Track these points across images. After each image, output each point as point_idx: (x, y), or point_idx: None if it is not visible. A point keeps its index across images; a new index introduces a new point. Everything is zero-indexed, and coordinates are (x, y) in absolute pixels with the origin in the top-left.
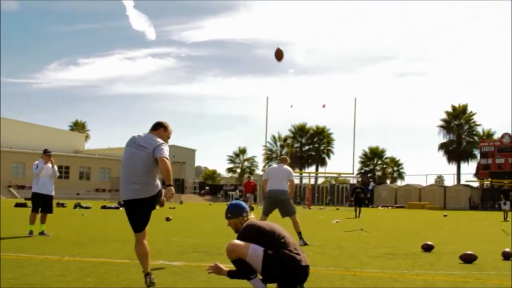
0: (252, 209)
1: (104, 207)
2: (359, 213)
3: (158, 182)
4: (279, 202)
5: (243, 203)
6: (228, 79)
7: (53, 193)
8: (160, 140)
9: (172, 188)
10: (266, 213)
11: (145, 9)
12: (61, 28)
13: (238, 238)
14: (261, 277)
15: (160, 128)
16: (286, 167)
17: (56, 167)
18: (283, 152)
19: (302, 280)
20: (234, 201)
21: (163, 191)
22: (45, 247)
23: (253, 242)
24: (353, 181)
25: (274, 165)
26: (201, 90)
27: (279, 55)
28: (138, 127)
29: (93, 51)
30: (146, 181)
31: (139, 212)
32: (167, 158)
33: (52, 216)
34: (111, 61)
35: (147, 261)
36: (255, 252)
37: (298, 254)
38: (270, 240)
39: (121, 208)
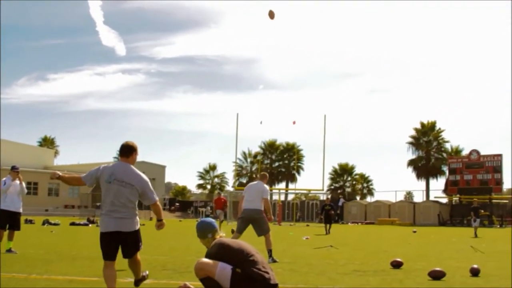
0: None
1: (73, 224)
2: (329, 229)
3: (138, 218)
4: (252, 221)
5: (210, 222)
6: (198, 95)
7: (21, 210)
8: (145, 178)
9: (163, 222)
10: (239, 231)
11: (115, 24)
12: (30, 43)
13: (206, 256)
14: None
15: (133, 154)
16: (262, 185)
17: (24, 184)
18: (253, 169)
19: None
20: (201, 220)
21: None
22: (12, 264)
23: (221, 260)
24: (323, 197)
25: (254, 182)
26: (171, 106)
27: (271, 15)
28: (107, 143)
29: (62, 66)
30: (131, 215)
31: (128, 245)
32: (157, 202)
33: (20, 233)
34: (81, 76)
35: (139, 269)
36: (223, 271)
37: (267, 272)
38: (238, 259)
39: (90, 225)
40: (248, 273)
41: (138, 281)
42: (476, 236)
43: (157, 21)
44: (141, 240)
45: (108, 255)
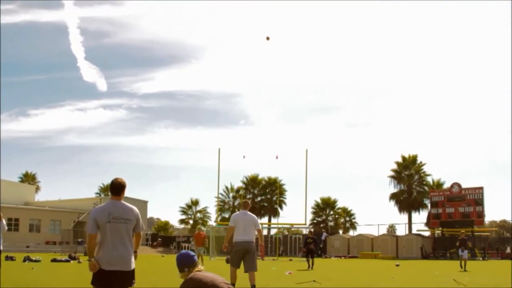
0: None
1: (54, 260)
2: (312, 264)
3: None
4: (247, 253)
5: (188, 256)
6: (180, 130)
7: (1, 247)
8: (136, 210)
9: (137, 254)
10: (237, 265)
11: (96, 60)
12: (11, 79)
13: None
14: None
15: (123, 191)
16: (252, 215)
17: (4, 221)
18: (235, 204)
19: None
20: (180, 253)
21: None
22: None
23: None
24: (306, 231)
25: (239, 211)
26: (153, 141)
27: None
28: (89, 178)
29: (43, 102)
30: (130, 253)
31: (123, 282)
32: (141, 234)
33: (0, 270)
34: (62, 112)
35: None
36: None
37: None
38: None
39: (71, 262)
40: None
41: None
42: (464, 269)
43: (138, 56)
44: (134, 277)
45: (101, 286)
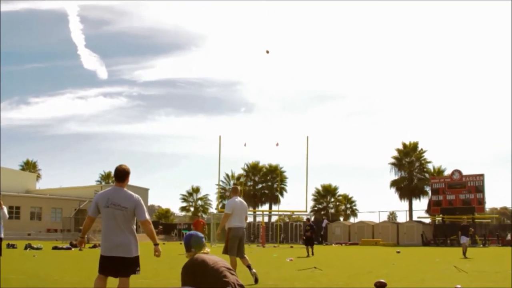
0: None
1: (55, 248)
2: (312, 252)
3: (137, 242)
4: (241, 240)
5: (197, 237)
6: (180, 118)
7: (2, 235)
8: (135, 197)
9: (159, 247)
10: (236, 253)
11: (96, 48)
12: (12, 67)
13: (182, 268)
14: None
15: (127, 178)
16: (244, 201)
17: (5, 209)
18: (239, 190)
19: None
20: (189, 233)
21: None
22: None
23: (194, 276)
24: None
25: (234, 198)
26: (153, 129)
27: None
28: (90, 166)
29: (44, 90)
30: (129, 239)
31: (123, 269)
32: (148, 222)
33: (1, 258)
34: (63, 100)
35: None
36: None
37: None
38: (211, 279)
39: (73, 249)
40: None
41: None
42: (464, 256)
43: (138, 44)
44: (139, 265)
45: (103, 272)
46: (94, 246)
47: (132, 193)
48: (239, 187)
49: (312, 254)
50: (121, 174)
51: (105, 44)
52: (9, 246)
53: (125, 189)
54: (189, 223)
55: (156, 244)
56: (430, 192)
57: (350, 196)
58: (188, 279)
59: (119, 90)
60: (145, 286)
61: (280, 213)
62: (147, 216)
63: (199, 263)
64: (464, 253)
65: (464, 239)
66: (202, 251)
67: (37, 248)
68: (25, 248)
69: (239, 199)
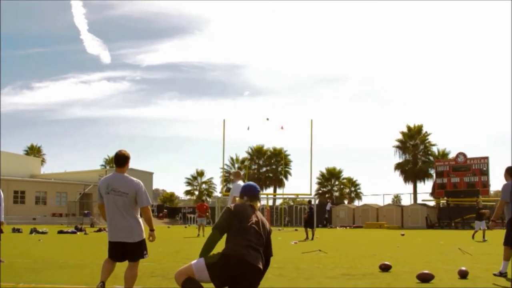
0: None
1: (61, 232)
2: (312, 235)
3: (141, 226)
4: None
5: (254, 188)
6: (184, 102)
7: (2, 219)
8: (136, 182)
9: (154, 233)
10: None
11: (99, 33)
12: (15, 52)
13: (224, 211)
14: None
15: (127, 163)
16: None
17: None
18: (242, 174)
19: (247, 279)
20: (249, 183)
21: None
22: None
23: (231, 218)
24: (312, 202)
25: (240, 182)
26: (157, 113)
27: None
28: (94, 150)
29: (47, 75)
30: (132, 224)
31: (130, 254)
32: (148, 208)
33: (7, 242)
34: (66, 85)
35: (130, 286)
36: (198, 266)
37: (249, 250)
38: (237, 227)
39: (78, 233)
40: (224, 254)
41: None
42: (484, 239)
43: (141, 28)
44: (145, 249)
45: (112, 257)
46: (99, 230)
47: (133, 178)
48: (242, 171)
49: (312, 238)
50: (121, 160)
51: (108, 29)
52: (15, 230)
53: (126, 174)
54: (194, 206)
55: (152, 230)
56: (434, 175)
57: (354, 179)
58: (228, 216)
59: (122, 74)
60: (150, 269)
61: (285, 196)
62: (148, 203)
63: (240, 208)
64: (483, 236)
65: (480, 224)
66: (252, 203)
67: (43, 232)
68: (31, 233)
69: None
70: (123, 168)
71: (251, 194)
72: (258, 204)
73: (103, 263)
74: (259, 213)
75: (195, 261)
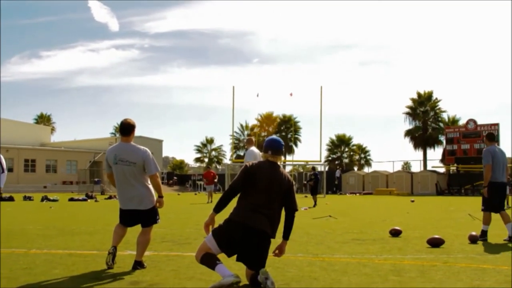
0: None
1: (71, 199)
2: (315, 202)
3: (152, 192)
4: None
5: (277, 143)
6: (193, 69)
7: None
8: (143, 150)
9: (163, 199)
10: None
11: (107, 0)
12: (22, 21)
13: (242, 170)
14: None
15: (132, 132)
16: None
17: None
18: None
19: (251, 244)
20: (275, 138)
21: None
22: (12, 240)
23: (240, 178)
24: (321, 168)
25: (254, 148)
26: (166, 81)
27: None
28: (103, 118)
29: (55, 43)
30: (141, 192)
31: (143, 220)
32: (157, 175)
33: (19, 209)
34: (74, 53)
35: (143, 250)
36: (209, 238)
37: (254, 213)
38: (247, 186)
39: (88, 200)
40: (229, 220)
41: (136, 263)
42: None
43: None
44: (157, 214)
45: (124, 223)
46: (110, 197)
47: (139, 147)
48: (253, 138)
49: (315, 204)
50: (127, 128)
51: None
52: (26, 198)
53: (132, 143)
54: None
55: (160, 196)
56: (444, 142)
57: (364, 146)
58: (242, 174)
59: (130, 42)
60: (161, 234)
61: (295, 163)
62: (155, 170)
63: (255, 167)
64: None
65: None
66: (274, 158)
67: (54, 200)
68: (42, 200)
69: (258, 150)
70: (129, 137)
71: (274, 148)
72: (282, 159)
73: (114, 228)
74: (279, 169)
75: (207, 236)
